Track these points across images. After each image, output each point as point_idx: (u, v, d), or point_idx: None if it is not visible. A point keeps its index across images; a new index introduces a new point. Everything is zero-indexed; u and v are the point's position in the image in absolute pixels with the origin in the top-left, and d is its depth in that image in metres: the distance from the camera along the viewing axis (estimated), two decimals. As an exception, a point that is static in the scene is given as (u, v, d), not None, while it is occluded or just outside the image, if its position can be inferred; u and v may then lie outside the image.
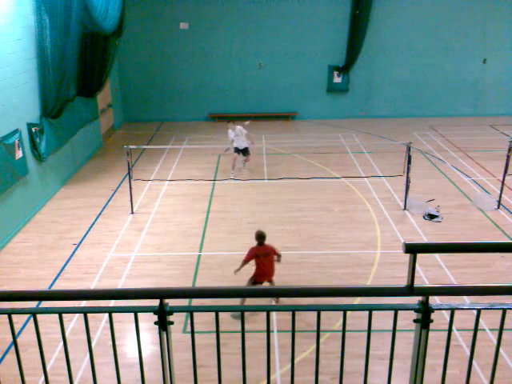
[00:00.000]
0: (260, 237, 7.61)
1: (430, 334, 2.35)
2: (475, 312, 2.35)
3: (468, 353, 6.63)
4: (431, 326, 2.32)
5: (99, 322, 7.44)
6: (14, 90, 10.72)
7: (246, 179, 13.46)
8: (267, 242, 7.68)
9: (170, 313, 2.35)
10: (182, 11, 18.75)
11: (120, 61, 19.12)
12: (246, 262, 7.57)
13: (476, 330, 2.38)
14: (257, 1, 18.66)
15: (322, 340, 7.01)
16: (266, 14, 18.81)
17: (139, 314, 2.39)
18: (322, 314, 2.42)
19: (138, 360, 2.61)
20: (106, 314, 2.49)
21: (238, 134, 13.74)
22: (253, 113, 19.87)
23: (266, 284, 7.76)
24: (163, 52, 19.30)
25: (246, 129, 13.93)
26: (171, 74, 19.59)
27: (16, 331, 2.49)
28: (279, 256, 7.82)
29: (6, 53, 10.45)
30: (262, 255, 7.55)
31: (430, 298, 2.29)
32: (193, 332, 2.51)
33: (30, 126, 11.30)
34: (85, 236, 10.45)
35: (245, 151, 13.92)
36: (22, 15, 11.08)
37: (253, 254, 7.57)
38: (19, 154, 10.72)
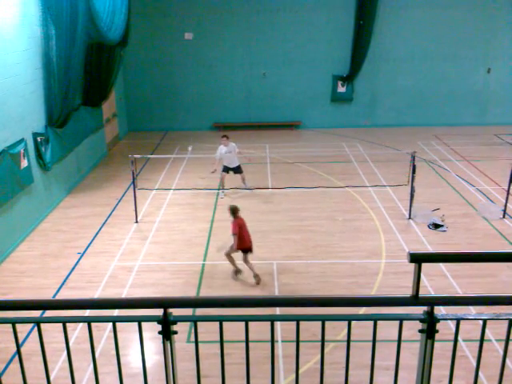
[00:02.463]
0: (235, 211, 8.85)
1: (436, 344, 2.33)
2: (481, 322, 2.33)
3: (474, 363, 6.57)
4: (437, 336, 2.31)
5: (103, 331, 7.43)
6: (19, 99, 10.80)
7: (250, 188, 13.45)
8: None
9: (174, 322, 2.34)
10: (186, 22, 18.89)
11: (125, 70, 19.24)
12: (235, 234, 8.71)
13: (482, 340, 2.36)
14: (261, 10, 18.78)
15: (326, 350, 6.96)
16: (270, 24, 18.92)
17: (143, 324, 2.39)
18: (327, 323, 2.41)
19: (141, 370, 2.60)
20: (110, 324, 2.48)
21: (230, 151, 12.84)
22: (257, 122, 19.94)
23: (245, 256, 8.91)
24: (168, 62, 19.41)
25: (229, 147, 12.86)
26: (176, 83, 19.69)
27: (20, 340, 2.49)
28: None
29: (13, 63, 10.54)
30: (244, 225, 8.88)
31: (436, 307, 2.27)
32: (197, 342, 2.50)
33: (35, 135, 11.37)
34: (89, 245, 10.47)
35: (236, 170, 13.16)
36: (28, 25, 11.19)
37: (237, 226, 8.73)
38: (24, 164, 10.77)
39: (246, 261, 8.88)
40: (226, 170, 13.10)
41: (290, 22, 18.88)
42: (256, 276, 8.85)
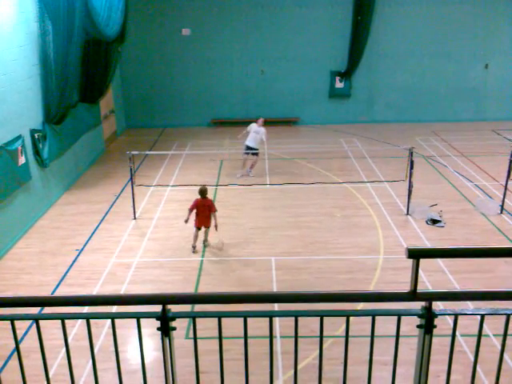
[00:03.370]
0: (202, 192, 9.65)
1: (434, 339, 2.34)
2: (479, 317, 2.34)
3: (472, 358, 6.60)
4: (434, 331, 2.31)
5: (102, 327, 7.43)
6: (17, 96, 10.77)
7: (249, 184, 13.46)
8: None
9: (173, 318, 2.34)
10: (184, 17, 18.84)
11: (122, 67, 19.17)
12: (191, 210, 9.70)
13: (480, 335, 2.37)
14: (259, 7, 18.73)
15: (325, 346, 6.98)
16: (268, 20, 18.88)
17: (142, 320, 2.39)
18: (325, 319, 2.41)
19: (140, 366, 2.60)
20: (109, 320, 2.48)
21: (258, 133, 13.75)
22: (255, 118, 19.83)
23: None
24: (165, 58, 19.36)
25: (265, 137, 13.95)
26: (173, 79, 19.64)
27: (18, 337, 2.49)
28: (215, 212, 9.80)
29: (10, 59, 10.50)
30: (202, 206, 9.68)
31: (434, 303, 2.28)
32: (195, 338, 2.51)
33: (32, 132, 11.34)
34: (87, 242, 10.46)
35: (254, 152, 13.87)
36: (25, 22, 11.14)
37: (195, 204, 9.68)
38: (22, 160, 10.75)
39: (197, 235, 9.92)
40: (247, 150, 13.80)
41: (287, 19, 18.84)
42: (205, 241, 10.09)
